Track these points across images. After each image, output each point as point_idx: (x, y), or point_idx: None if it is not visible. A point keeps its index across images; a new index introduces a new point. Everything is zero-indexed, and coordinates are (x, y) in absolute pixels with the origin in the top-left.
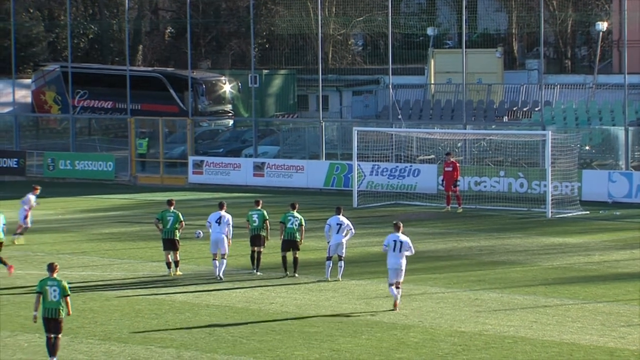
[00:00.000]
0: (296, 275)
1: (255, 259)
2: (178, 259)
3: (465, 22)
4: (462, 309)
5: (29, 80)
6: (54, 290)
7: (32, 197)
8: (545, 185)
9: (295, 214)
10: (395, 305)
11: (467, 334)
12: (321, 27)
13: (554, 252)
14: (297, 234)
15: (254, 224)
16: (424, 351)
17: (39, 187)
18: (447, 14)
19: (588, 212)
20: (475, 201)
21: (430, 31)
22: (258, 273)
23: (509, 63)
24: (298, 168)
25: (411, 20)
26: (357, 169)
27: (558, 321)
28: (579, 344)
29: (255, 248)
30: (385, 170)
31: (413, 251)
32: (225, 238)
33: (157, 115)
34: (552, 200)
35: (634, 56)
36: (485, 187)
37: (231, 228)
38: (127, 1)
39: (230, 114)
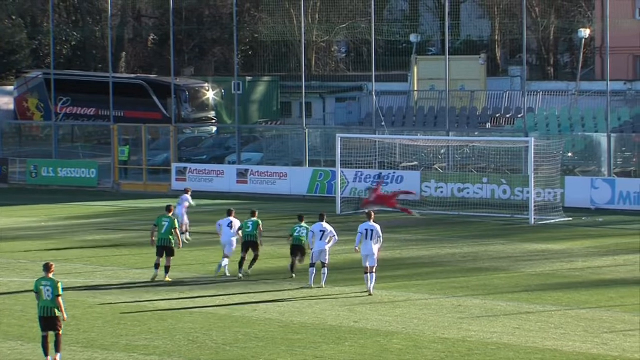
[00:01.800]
0: (293, 275)
1: (242, 265)
2: (170, 264)
3: (448, 29)
4: (445, 315)
5: (11, 87)
6: (48, 290)
7: (189, 197)
8: (528, 192)
9: (303, 224)
10: (369, 291)
11: (451, 340)
12: (304, 34)
13: (537, 259)
14: (303, 240)
15: (247, 230)
16: (408, 358)
17: (190, 189)
18: (430, 21)
19: (571, 219)
20: (459, 208)
21: (413, 38)
22: (240, 275)
23: (492, 70)
24: (281, 175)
25: (394, 27)
26: (341, 176)
27: (541, 327)
28: (562, 351)
29: (247, 255)
30: (368, 177)
31: (381, 239)
32: (234, 241)
33: (141, 122)
34: (535, 206)
35: (617, 63)
36: (468, 193)
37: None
38: (110, 8)
39: (213, 121)
